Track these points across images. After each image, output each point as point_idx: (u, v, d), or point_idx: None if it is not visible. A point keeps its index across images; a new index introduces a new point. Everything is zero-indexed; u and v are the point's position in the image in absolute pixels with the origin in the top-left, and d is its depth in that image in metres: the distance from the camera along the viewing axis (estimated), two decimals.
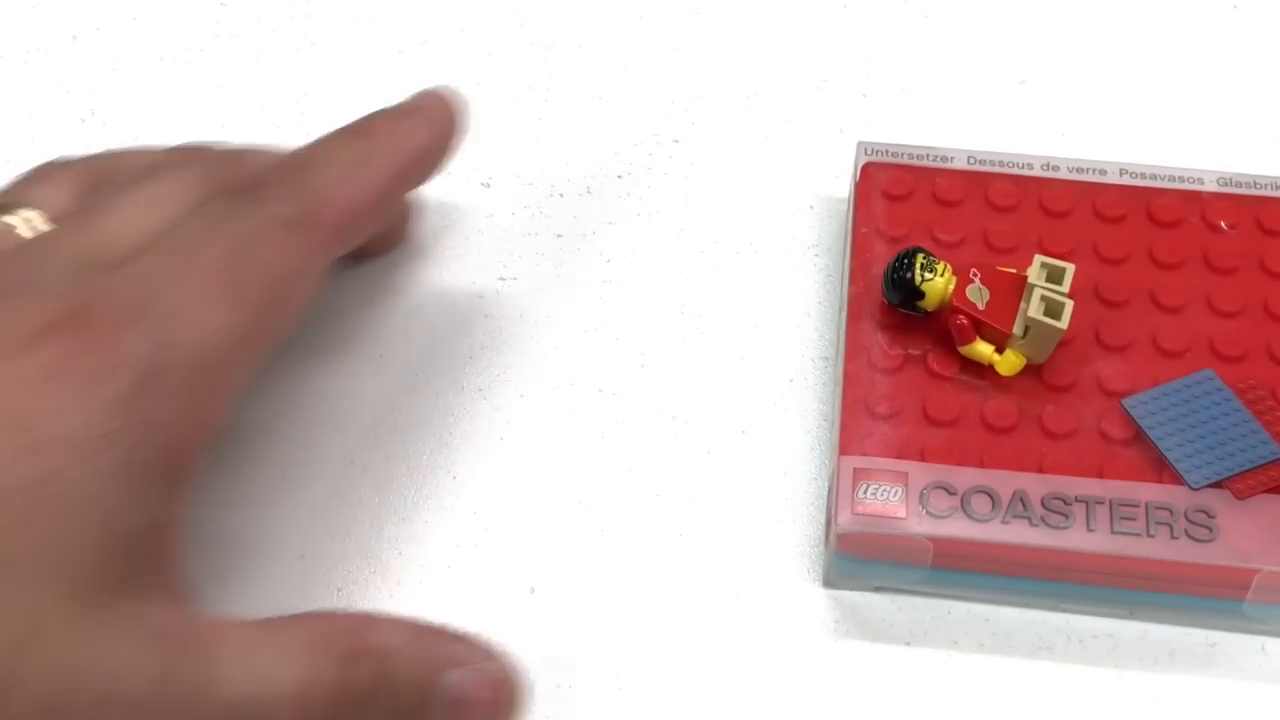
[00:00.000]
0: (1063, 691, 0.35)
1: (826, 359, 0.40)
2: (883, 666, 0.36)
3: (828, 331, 0.41)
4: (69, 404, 0.29)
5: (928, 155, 0.40)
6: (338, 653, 0.30)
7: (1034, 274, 0.37)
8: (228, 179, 0.34)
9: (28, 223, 0.35)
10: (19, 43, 0.48)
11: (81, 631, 0.28)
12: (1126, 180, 0.40)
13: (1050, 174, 0.40)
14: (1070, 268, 0.36)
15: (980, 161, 0.40)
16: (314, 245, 0.34)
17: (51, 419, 0.29)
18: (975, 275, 0.37)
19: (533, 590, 0.37)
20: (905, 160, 0.40)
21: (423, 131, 0.37)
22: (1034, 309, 0.36)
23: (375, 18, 0.48)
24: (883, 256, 0.38)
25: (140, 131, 0.46)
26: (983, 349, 0.36)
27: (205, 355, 0.31)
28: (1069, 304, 0.36)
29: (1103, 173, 0.40)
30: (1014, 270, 0.37)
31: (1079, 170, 0.40)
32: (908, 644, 0.36)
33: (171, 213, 0.33)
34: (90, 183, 0.36)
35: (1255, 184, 0.40)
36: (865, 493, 0.35)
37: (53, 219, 0.34)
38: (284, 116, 0.46)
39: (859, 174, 0.40)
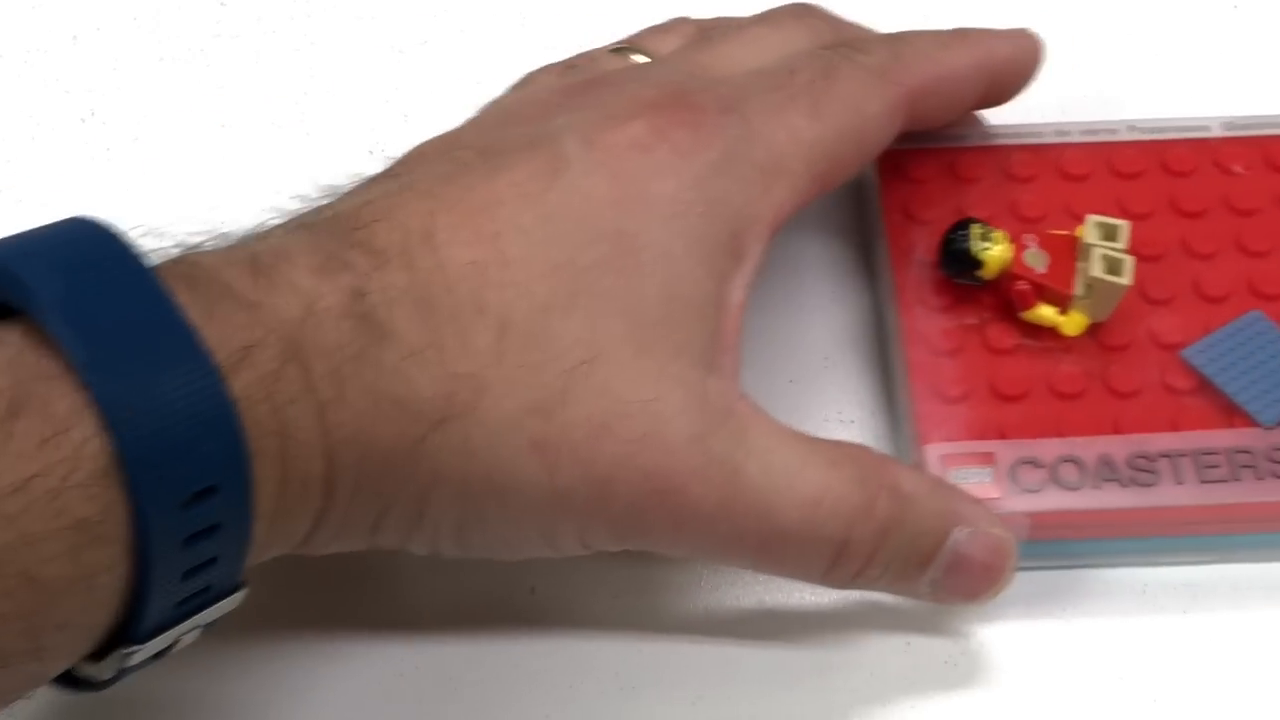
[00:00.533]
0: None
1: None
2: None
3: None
4: (659, 168, 0.32)
5: (941, 136, 0.41)
6: (863, 480, 0.32)
7: (1089, 234, 0.37)
8: (833, 36, 0.38)
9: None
10: (19, 43, 0.47)
11: (639, 371, 0.30)
12: (1137, 136, 0.41)
13: (1063, 139, 0.41)
14: (1125, 225, 0.37)
15: (994, 136, 0.41)
16: (892, 98, 0.36)
17: (642, 178, 0.32)
18: (1031, 241, 0.37)
19: (533, 590, 0.37)
20: (921, 144, 0.40)
21: (1009, 47, 0.39)
22: (1096, 268, 0.36)
23: (375, 18, 0.48)
24: (921, 241, 0.39)
25: (140, 131, 0.46)
26: (1046, 312, 0.37)
27: (782, 153, 0.33)
28: (1129, 260, 0.36)
29: (1113, 132, 0.41)
30: (1065, 232, 0.38)
31: (1090, 132, 0.41)
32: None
33: (776, 52, 0.36)
34: (708, 32, 0.39)
35: (1260, 125, 0.41)
36: (956, 478, 0.35)
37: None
38: (284, 116, 0.46)
39: (878, 163, 0.40)
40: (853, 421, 0.39)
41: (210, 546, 0.26)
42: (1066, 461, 0.35)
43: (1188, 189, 0.39)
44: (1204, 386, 0.36)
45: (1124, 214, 0.39)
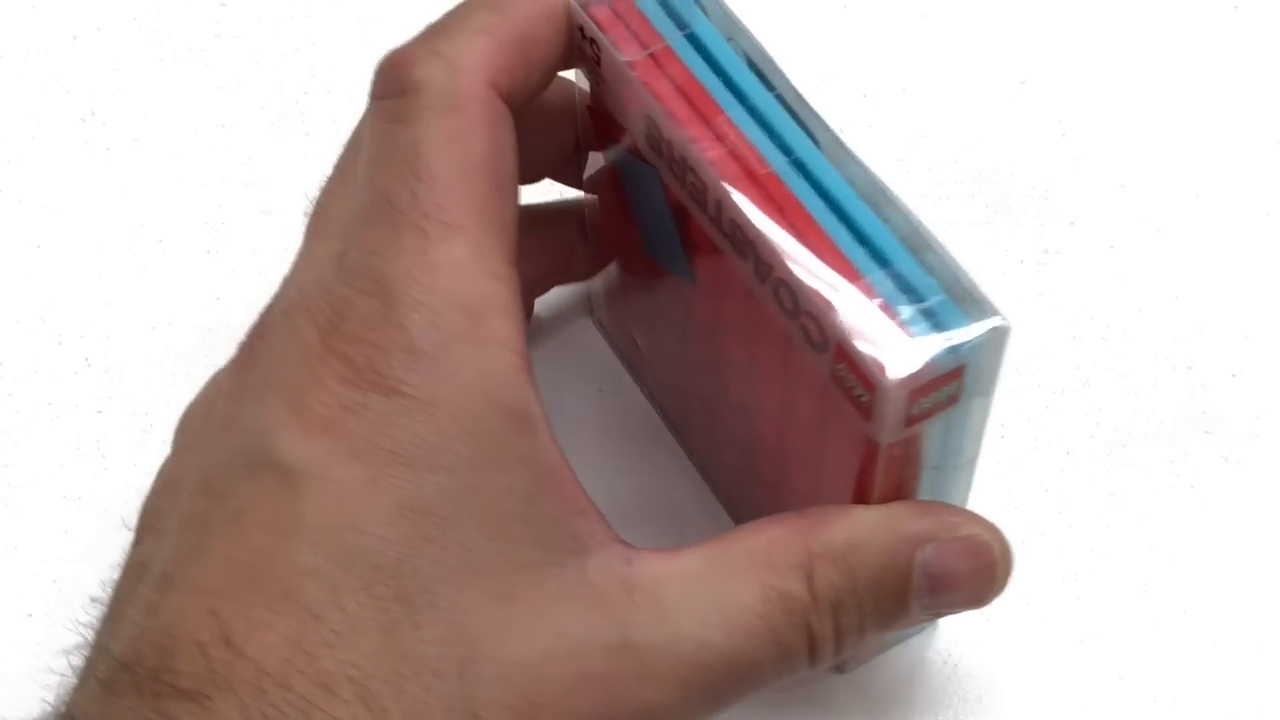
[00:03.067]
0: None
1: None
2: None
3: None
4: (385, 418, 0.27)
5: None
6: (793, 567, 0.29)
7: None
8: None
9: None
10: (19, 43, 0.48)
11: (522, 623, 0.27)
12: None
13: None
14: None
15: None
16: (486, 118, 0.30)
17: (378, 438, 0.27)
18: None
19: None
20: None
21: None
22: None
23: (375, 18, 0.48)
24: None
25: (140, 131, 0.46)
26: None
27: (467, 298, 0.28)
28: None
29: None
30: None
31: None
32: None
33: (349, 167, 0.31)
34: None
35: None
36: None
37: None
38: (284, 116, 0.46)
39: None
40: None
41: None
42: None
43: None
44: None
45: None
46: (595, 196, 0.36)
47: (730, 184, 0.28)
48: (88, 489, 0.39)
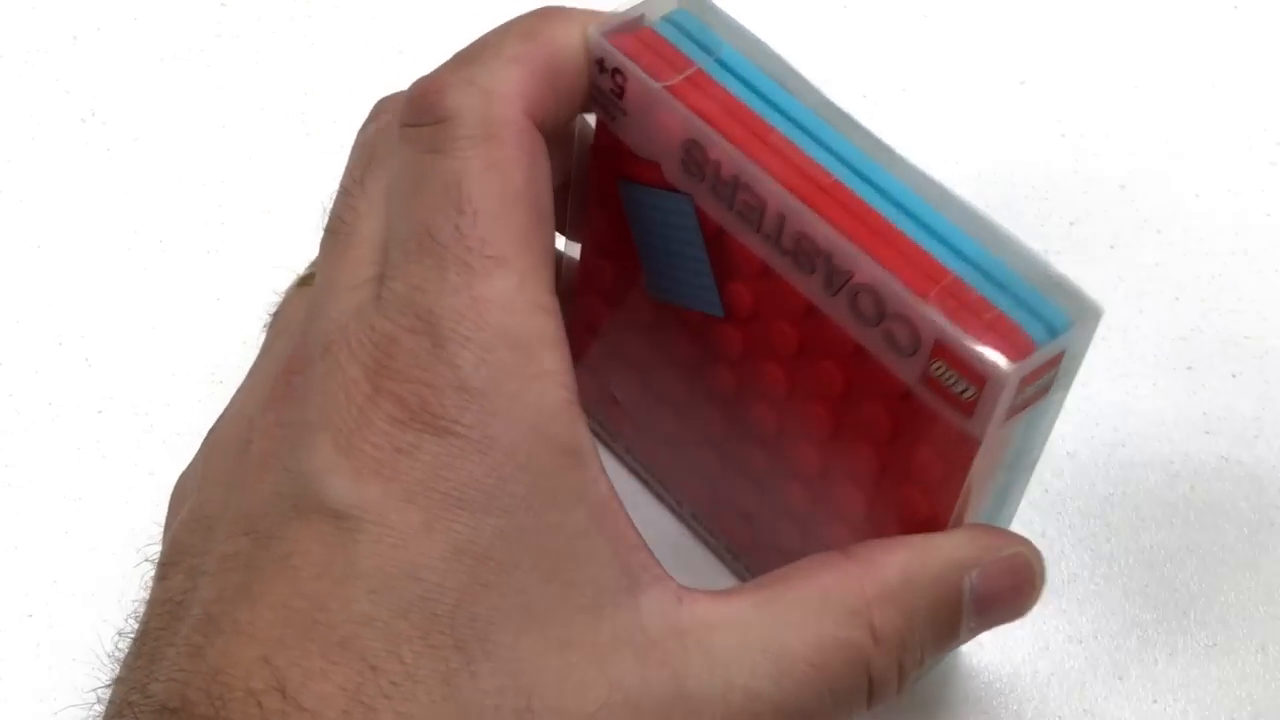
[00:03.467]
0: None
1: None
2: None
3: None
4: (439, 460, 0.26)
5: None
6: (851, 614, 0.28)
7: None
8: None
9: None
10: (19, 43, 0.48)
11: (579, 672, 0.26)
12: None
13: None
14: None
15: None
16: (525, 146, 0.29)
17: (434, 481, 0.26)
18: None
19: None
20: None
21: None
22: None
23: (375, 18, 0.48)
24: None
25: (140, 132, 0.46)
26: None
27: (516, 333, 0.28)
28: None
29: None
30: None
31: None
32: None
33: (376, 190, 0.30)
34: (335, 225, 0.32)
35: None
36: None
37: None
38: (284, 116, 0.46)
39: None
40: None
41: None
42: None
43: None
44: None
45: None
46: (577, 245, 0.35)
47: (796, 195, 0.28)
48: (88, 489, 0.39)
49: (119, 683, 0.28)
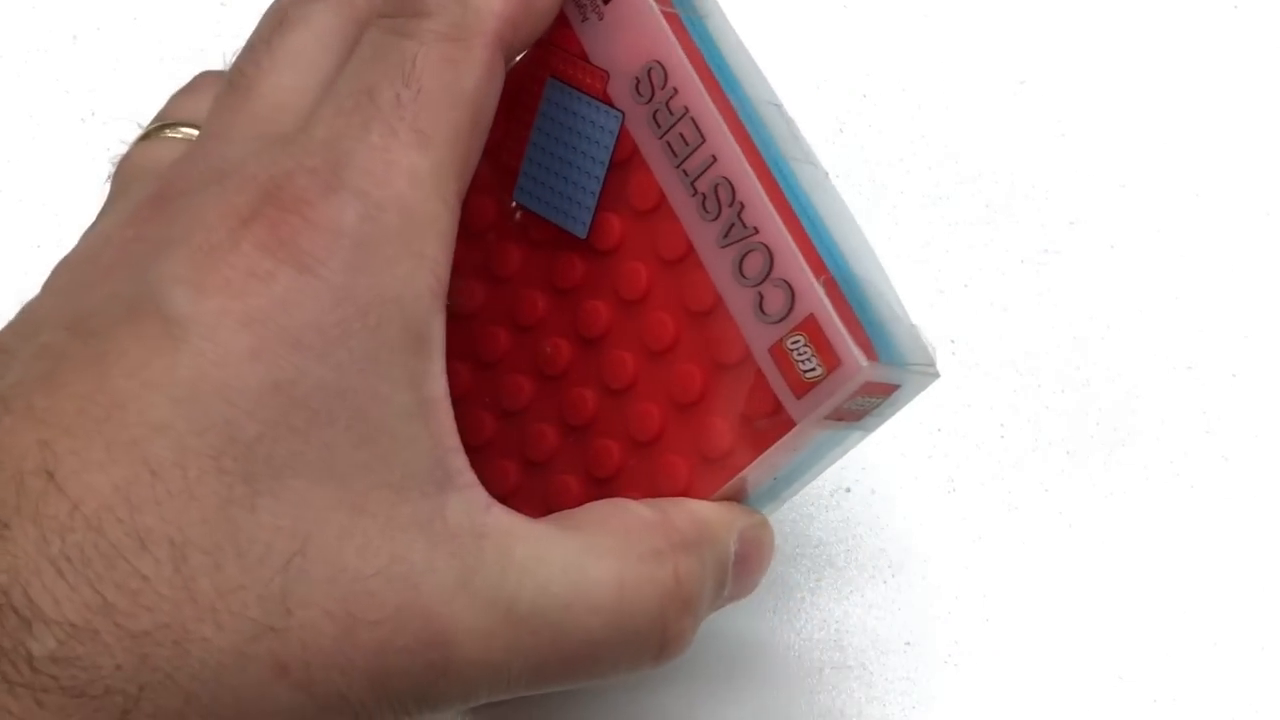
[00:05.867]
0: None
1: None
2: None
3: None
4: (290, 296, 0.26)
5: None
6: (656, 553, 0.29)
7: None
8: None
9: (189, 139, 0.33)
10: (19, 43, 0.48)
11: (362, 535, 0.26)
12: None
13: None
14: None
15: None
16: (484, 60, 0.29)
17: (276, 314, 0.26)
18: None
19: None
20: None
21: None
22: None
23: None
24: None
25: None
26: None
27: (412, 206, 0.28)
28: None
29: None
30: None
31: None
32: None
33: (325, 61, 0.31)
34: (236, 75, 0.32)
35: None
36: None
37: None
38: None
39: None
40: None
41: None
42: None
43: None
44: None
45: None
46: None
47: (738, 146, 0.29)
48: None
49: None
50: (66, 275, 0.30)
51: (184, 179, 0.29)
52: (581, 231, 0.32)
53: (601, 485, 0.31)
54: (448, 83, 0.29)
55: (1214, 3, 0.48)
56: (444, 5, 0.29)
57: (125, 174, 0.34)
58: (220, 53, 0.47)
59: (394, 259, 0.27)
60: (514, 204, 0.33)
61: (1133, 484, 0.39)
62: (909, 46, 0.47)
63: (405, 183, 0.28)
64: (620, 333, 0.31)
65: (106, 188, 0.46)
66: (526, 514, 0.29)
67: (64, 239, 0.45)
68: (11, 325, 0.29)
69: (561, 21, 0.32)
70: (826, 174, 0.31)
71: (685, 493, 0.30)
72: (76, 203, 0.45)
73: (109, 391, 0.25)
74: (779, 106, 0.32)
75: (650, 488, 0.30)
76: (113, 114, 0.46)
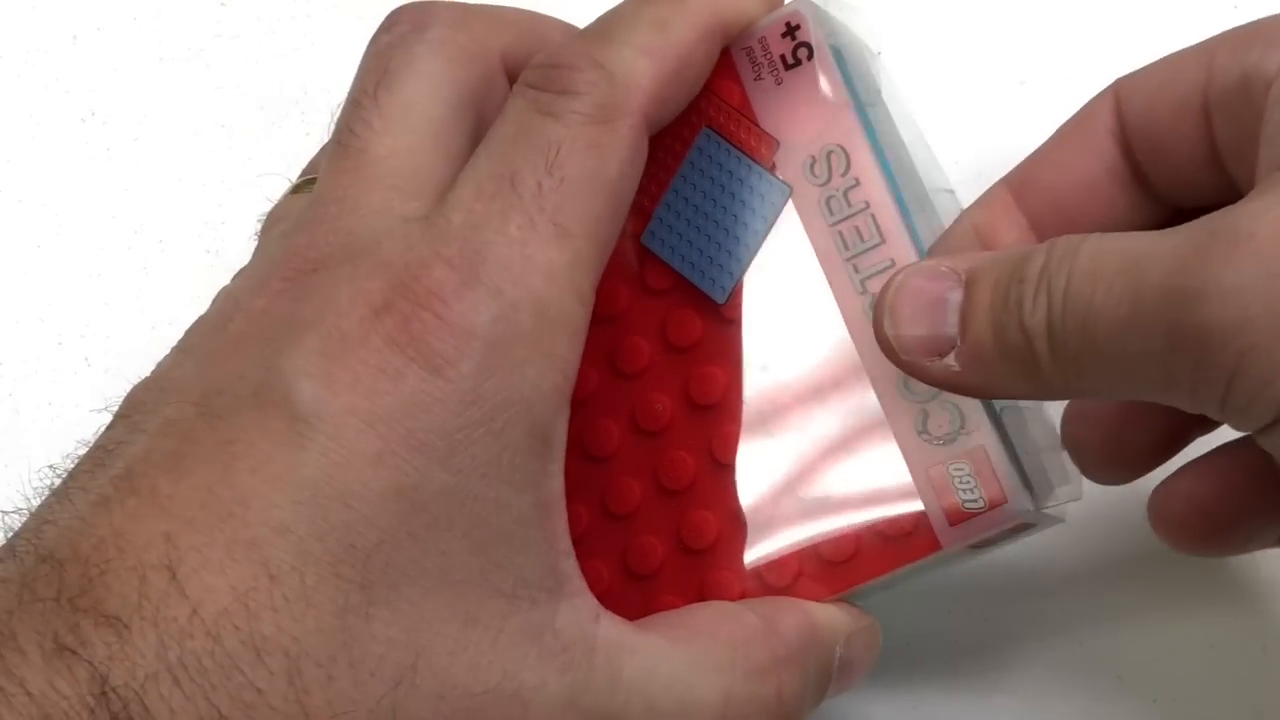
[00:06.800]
0: None
1: None
2: None
3: None
4: (418, 398, 0.26)
5: None
6: (761, 670, 0.29)
7: None
8: (501, 51, 0.31)
9: None
10: (19, 43, 0.48)
11: (474, 648, 0.26)
12: None
13: None
14: None
15: None
16: (629, 140, 0.28)
17: (402, 416, 0.25)
18: None
19: None
20: None
21: None
22: None
23: (375, 18, 0.48)
24: None
25: (140, 131, 0.46)
26: None
27: (546, 303, 0.27)
28: None
29: None
30: None
31: None
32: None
33: (441, 108, 0.29)
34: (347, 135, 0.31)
35: None
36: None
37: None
38: (284, 116, 0.46)
39: None
40: None
41: None
42: None
43: None
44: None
45: None
46: None
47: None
48: None
49: (30, 515, 0.27)
50: (198, 339, 0.29)
51: (313, 248, 0.28)
52: (720, 296, 0.30)
53: (701, 563, 0.30)
54: (591, 171, 0.28)
55: (1214, 3, 0.48)
56: (594, 83, 0.28)
57: (269, 224, 0.33)
58: (219, 53, 0.47)
59: (524, 360, 0.27)
60: (640, 244, 0.31)
61: (1132, 484, 0.39)
62: (908, 46, 0.47)
63: (541, 280, 0.27)
64: (737, 403, 0.30)
65: (106, 186, 0.46)
66: (624, 614, 0.28)
67: (64, 239, 0.45)
68: (145, 382, 0.29)
69: (727, 72, 0.30)
70: None
71: (794, 588, 0.30)
72: (76, 203, 0.45)
73: (233, 485, 0.25)
74: (951, 193, 0.30)
75: (759, 583, 0.29)
76: (113, 114, 0.46)
